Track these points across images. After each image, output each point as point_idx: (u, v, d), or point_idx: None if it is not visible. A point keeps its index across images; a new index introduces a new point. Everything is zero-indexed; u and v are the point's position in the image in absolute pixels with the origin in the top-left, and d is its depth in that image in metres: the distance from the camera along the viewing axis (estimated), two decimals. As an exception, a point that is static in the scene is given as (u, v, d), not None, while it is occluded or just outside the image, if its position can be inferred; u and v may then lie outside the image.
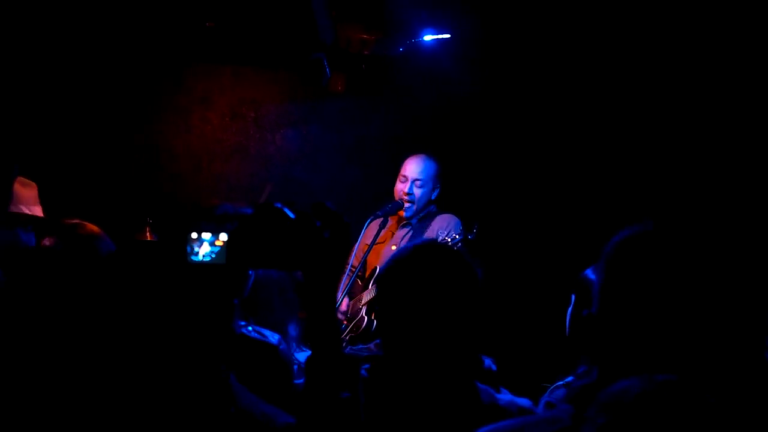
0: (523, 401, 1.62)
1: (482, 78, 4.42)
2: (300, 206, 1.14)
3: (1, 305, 1.50)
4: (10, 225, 2.43)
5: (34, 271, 1.57)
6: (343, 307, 3.50)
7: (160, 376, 1.23)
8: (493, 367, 2.06)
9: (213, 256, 1.12)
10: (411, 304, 1.48)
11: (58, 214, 2.45)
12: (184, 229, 1.12)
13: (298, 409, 1.15)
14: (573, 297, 2.04)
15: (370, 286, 3.43)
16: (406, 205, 3.53)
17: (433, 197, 3.60)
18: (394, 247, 3.49)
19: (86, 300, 1.39)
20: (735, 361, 1.08)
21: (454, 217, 3.53)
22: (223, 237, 1.12)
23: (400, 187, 3.54)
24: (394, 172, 3.65)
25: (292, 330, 2.46)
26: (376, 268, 3.45)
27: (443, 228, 3.39)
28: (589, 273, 2.00)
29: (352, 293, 3.52)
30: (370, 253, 3.46)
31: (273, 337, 2.11)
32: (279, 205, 1.11)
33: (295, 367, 2.22)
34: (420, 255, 1.54)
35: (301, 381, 1.18)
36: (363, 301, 3.43)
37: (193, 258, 1.12)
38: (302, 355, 2.37)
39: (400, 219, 3.61)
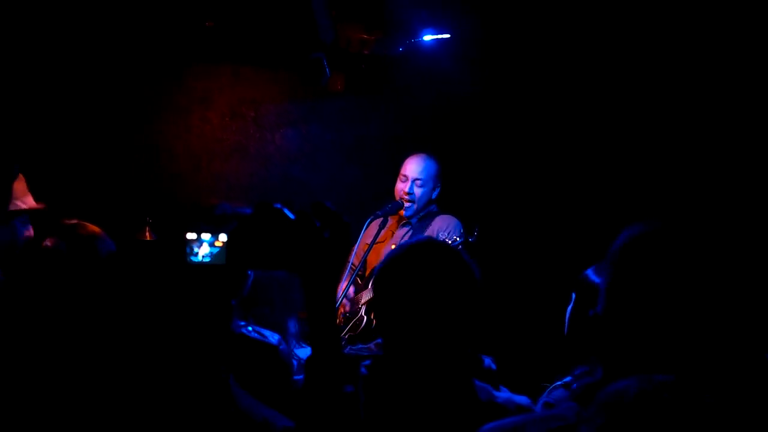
0: (522, 399, 1.62)
1: (482, 78, 4.42)
2: (299, 206, 1.14)
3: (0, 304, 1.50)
4: (8, 220, 2.42)
5: (36, 270, 1.57)
6: (343, 307, 3.50)
7: (159, 376, 1.23)
8: (493, 366, 2.06)
9: (212, 256, 1.12)
10: (407, 301, 1.48)
11: (57, 214, 2.45)
12: (183, 229, 1.12)
13: (298, 408, 1.15)
14: (573, 297, 2.04)
15: (369, 286, 3.43)
16: (407, 204, 3.53)
17: (433, 197, 3.60)
18: (393, 247, 3.49)
19: (86, 300, 1.39)
20: (739, 360, 1.08)
21: (455, 219, 3.53)
22: (223, 237, 1.12)
23: (401, 187, 3.55)
24: (393, 172, 3.65)
25: (292, 328, 2.46)
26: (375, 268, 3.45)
27: (443, 229, 3.40)
28: (590, 273, 2.00)
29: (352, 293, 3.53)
30: (370, 252, 3.46)
31: (273, 337, 2.11)
32: (278, 206, 1.11)
33: (295, 362, 2.23)
34: (416, 252, 1.53)
35: (301, 377, 1.18)
36: (362, 301, 3.44)
37: (193, 258, 1.12)
38: (302, 352, 2.37)
39: (400, 218, 3.61)
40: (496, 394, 1.58)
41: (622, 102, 4.21)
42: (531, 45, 4.29)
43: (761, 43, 3.78)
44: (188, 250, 1.12)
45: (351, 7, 3.95)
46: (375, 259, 3.50)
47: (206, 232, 1.12)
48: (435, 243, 1.56)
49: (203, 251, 1.12)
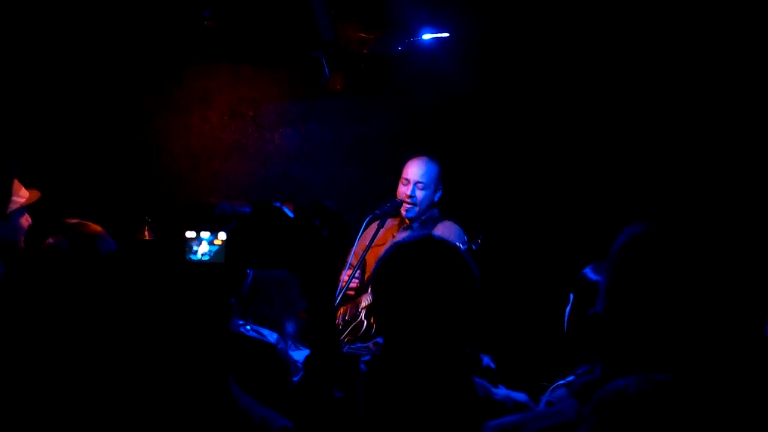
0: (520, 396, 1.61)
1: (481, 77, 4.42)
2: (299, 205, 1.14)
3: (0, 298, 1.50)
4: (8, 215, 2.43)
5: (37, 268, 1.57)
6: (343, 311, 3.48)
7: (157, 375, 1.23)
8: (492, 365, 2.06)
9: (211, 254, 1.12)
10: (406, 298, 1.47)
11: (57, 214, 2.46)
12: (182, 227, 1.12)
13: (296, 408, 1.15)
14: (571, 297, 2.05)
15: (369, 290, 3.42)
16: (408, 206, 3.52)
17: (435, 199, 3.59)
18: None
19: (85, 298, 1.39)
20: (738, 360, 1.09)
21: (457, 226, 3.51)
22: (222, 236, 1.12)
23: (403, 190, 3.54)
24: (393, 171, 3.65)
25: (290, 329, 2.46)
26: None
27: (445, 236, 3.38)
28: (588, 272, 2.00)
29: (350, 296, 3.50)
30: (369, 254, 3.45)
31: (271, 336, 2.11)
32: (278, 204, 1.11)
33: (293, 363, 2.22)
34: (415, 249, 1.53)
35: (298, 377, 1.18)
36: (362, 305, 3.42)
37: (192, 257, 1.12)
38: (299, 354, 2.37)
39: (402, 221, 3.60)
40: (494, 390, 1.58)
41: (621, 102, 4.21)
42: (531, 44, 4.29)
43: (761, 43, 3.79)
44: (187, 248, 1.12)
45: (350, 5, 3.95)
46: (374, 261, 3.48)
47: (205, 230, 1.12)
48: (433, 240, 1.55)
49: (202, 250, 1.12)
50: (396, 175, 3.62)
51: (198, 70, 4.56)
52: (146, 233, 3.41)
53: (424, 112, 4.57)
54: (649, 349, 1.09)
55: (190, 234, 1.12)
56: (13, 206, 2.49)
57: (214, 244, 1.12)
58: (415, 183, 3.52)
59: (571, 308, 2.04)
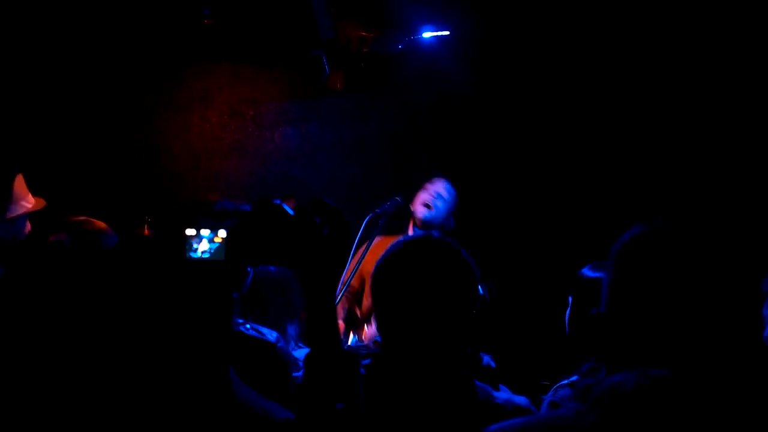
0: (521, 399, 1.61)
1: (481, 75, 4.42)
2: (299, 202, 1.13)
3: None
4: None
5: (38, 263, 1.57)
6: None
7: (158, 372, 1.23)
8: (492, 364, 2.06)
9: (211, 252, 1.12)
10: (406, 297, 1.47)
11: (58, 213, 2.46)
12: (182, 225, 1.12)
13: (297, 406, 1.15)
14: (570, 299, 2.04)
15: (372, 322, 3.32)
16: (426, 210, 3.46)
17: (450, 222, 3.55)
18: None
19: (86, 294, 1.39)
20: (738, 356, 1.09)
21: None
22: (222, 234, 1.12)
23: (423, 197, 3.50)
24: (393, 170, 3.65)
25: (291, 328, 2.45)
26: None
27: None
28: (586, 271, 2.00)
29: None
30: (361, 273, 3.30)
31: (271, 335, 2.11)
32: (278, 202, 1.10)
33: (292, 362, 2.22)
34: (415, 248, 1.52)
35: (299, 374, 1.18)
36: (368, 339, 3.34)
37: (192, 254, 1.12)
38: (299, 353, 2.36)
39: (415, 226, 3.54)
40: (496, 394, 1.57)
41: (621, 102, 4.21)
42: (531, 43, 4.29)
43: (761, 43, 3.78)
44: (187, 246, 1.12)
45: (350, 4, 3.95)
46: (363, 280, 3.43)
47: (205, 228, 1.12)
48: (433, 239, 1.55)
49: (202, 247, 1.12)
50: (396, 175, 3.62)
51: (198, 69, 4.56)
52: (146, 232, 3.41)
53: (425, 110, 4.57)
54: (652, 347, 1.09)
55: (190, 232, 1.12)
56: (20, 210, 2.50)
57: (214, 242, 1.12)
58: (438, 193, 3.50)
59: (571, 309, 2.04)
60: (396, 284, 1.49)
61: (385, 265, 1.53)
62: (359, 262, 3.20)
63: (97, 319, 1.34)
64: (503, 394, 1.61)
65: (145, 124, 4.49)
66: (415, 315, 1.46)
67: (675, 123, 4.10)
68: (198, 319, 1.19)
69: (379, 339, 1.73)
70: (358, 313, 3.43)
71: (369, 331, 3.35)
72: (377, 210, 3.48)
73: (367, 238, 3.36)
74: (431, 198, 3.48)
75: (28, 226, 2.53)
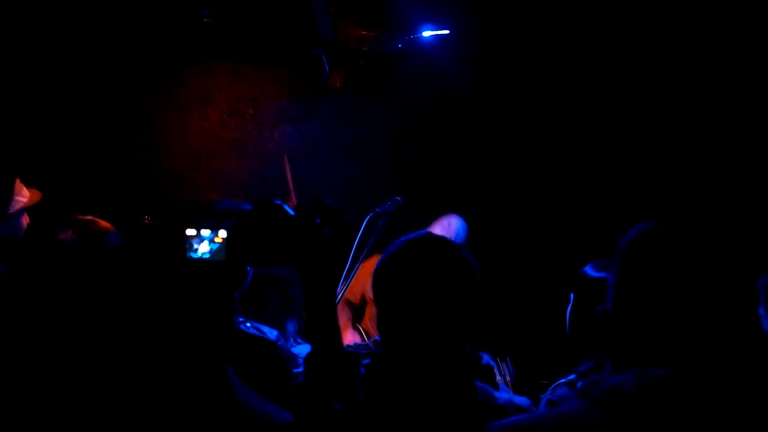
0: (522, 400, 1.61)
1: (481, 75, 4.42)
2: (300, 203, 1.13)
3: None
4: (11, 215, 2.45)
5: (39, 262, 1.57)
6: None
7: (159, 372, 1.23)
8: (492, 363, 2.06)
9: (212, 252, 1.12)
10: (407, 297, 1.46)
11: (57, 214, 2.45)
12: (182, 225, 1.12)
13: (297, 406, 1.15)
14: (572, 296, 2.04)
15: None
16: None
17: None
18: None
19: (89, 294, 1.39)
20: (742, 355, 1.09)
21: None
22: (222, 234, 1.12)
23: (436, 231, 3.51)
24: (392, 169, 3.65)
25: (290, 326, 2.46)
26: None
27: None
28: (589, 269, 2.00)
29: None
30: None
31: (271, 333, 2.11)
32: (278, 202, 1.10)
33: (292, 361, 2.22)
34: (416, 247, 1.52)
35: (299, 371, 1.18)
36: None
37: (192, 255, 1.12)
38: (299, 349, 2.37)
39: None
40: (497, 395, 1.57)
41: (620, 100, 4.21)
42: (530, 42, 4.29)
43: (761, 43, 3.78)
44: (188, 246, 1.12)
45: (350, 3, 3.95)
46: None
47: (206, 228, 1.12)
48: (434, 238, 1.55)
49: (203, 248, 1.12)
50: (396, 174, 3.62)
51: (198, 68, 4.56)
52: (146, 232, 3.41)
53: (424, 110, 4.57)
54: (659, 345, 1.09)
55: (191, 232, 1.12)
56: (16, 206, 2.50)
57: (214, 242, 1.12)
58: (451, 229, 3.51)
59: (572, 307, 2.04)
60: (397, 283, 1.49)
61: (386, 263, 1.53)
62: (356, 268, 3.22)
63: (98, 318, 1.34)
64: (504, 394, 1.61)
65: (145, 124, 4.49)
66: (416, 313, 1.46)
67: (674, 120, 4.10)
68: (199, 319, 1.19)
69: (378, 339, 1.73)
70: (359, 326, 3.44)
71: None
72: (377, 209, 3.48)
73: (368, 237, 3.36)
74: (444, 221, 3.50)
75: (26, 221, 2.53)
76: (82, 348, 1.31)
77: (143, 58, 4.38)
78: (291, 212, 1.10)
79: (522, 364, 3.13)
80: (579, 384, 1.89)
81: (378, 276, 1.54)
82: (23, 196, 2.54)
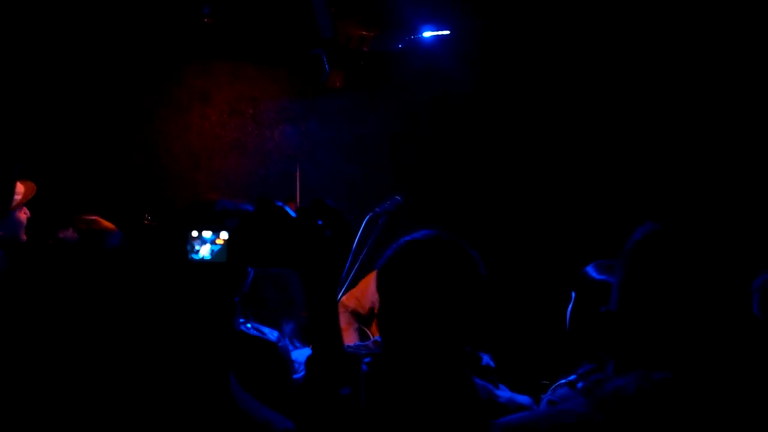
0: (523, 399, 1.61)
1: (481, 75, 4.42)
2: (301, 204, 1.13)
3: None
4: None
5: (41, 262, 1.57)
6: None
7: (159, 374, 1.23)
8: (492, 364, 2.05)
9: (213, 254, 1.12)
10: (410, 297, 1.46)
11: (58, 213, 2.46)
12: (184, 227, 1.12)
13: (298, 407, 1.15)
14: (573, 296, 2.04)
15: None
16: None
17: None
18: None
19: (89, 294, 1.39)
20: (745, 356, 1.09)
21: None
22: (224, 235, 1.12)
23: None
24: (392, 169, 3.65)
25: (289, 327, 2.45)
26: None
27: None
28: (590, 270, 1.99)
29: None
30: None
31: (272, 335, 2.11)
32: (280, 204, 1.10)
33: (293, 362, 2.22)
34: (419, 247, 1.51)
35: (300, 375, 1.18)
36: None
37: (194, 256, 1.11)
38: (297, 354, 2.36)
39: None
40: (498, 393, 1.57)
41: (621, 100, 4.21)
42: (530, 42, 4.29)
43: (761, 43, 3.78)
44: (189, 247, 1.11)
45: (350, 3, 3.95)
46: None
47: (207, 229, 1.12)
48: (438, 237, 1.54)
49: (204, 249, 1.12)
50: (396, 174, 3.62)
51: (198, 68, 4.56)
52: (147, 233, 3.41)
53: (424, 109, 4.57)
54: (663, 347, 1.09)
55: (192, 234, 1.12)
56: (13, 204, 2.50)
57: (215, 244, 1.12)
58: None
59: (572, 307, 2.03)
60: (399, 282, 1.48)
61: (389, 262, 1.52)
62: (355, 268, 3.21)
63: (98, 319, 1.33)
64: (505, 392, 1.61)
65: (145, 124, 4.49)
66: (423, 311, 1.45)
67: (675, 121, 4.10)
68: (199, 321, 1.19)
69: (379, 339, 1.72)
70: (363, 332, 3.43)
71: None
72: (377, 209, 3.48)
73: (367, 237, 3.36)
74: None
75: (27, 213, 2.53)
76: (81, 348, 1.31)
77: (143, 57, 4.38)
78: (293, 214, 1.10)
79: (522, 365, 3.13)
80: (579, 384, 1.89)
81: (382, 274, 1.53)
82: (17, 193, 2.55)
